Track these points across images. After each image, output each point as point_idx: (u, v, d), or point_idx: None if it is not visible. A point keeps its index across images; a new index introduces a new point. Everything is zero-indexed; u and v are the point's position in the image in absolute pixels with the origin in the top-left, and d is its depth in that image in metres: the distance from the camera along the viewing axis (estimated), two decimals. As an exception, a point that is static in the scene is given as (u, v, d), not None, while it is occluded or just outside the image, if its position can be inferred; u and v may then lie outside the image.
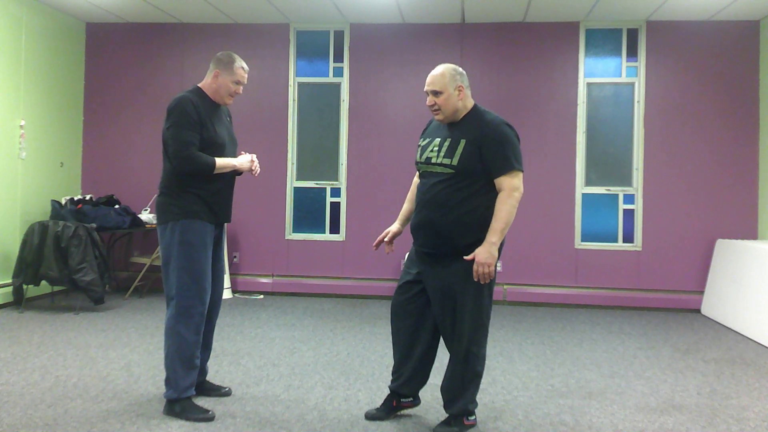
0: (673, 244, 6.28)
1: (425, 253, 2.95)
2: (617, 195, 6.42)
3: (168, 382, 3.07)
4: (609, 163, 6.47)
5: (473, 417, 3.00)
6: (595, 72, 6.46)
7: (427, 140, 3.01)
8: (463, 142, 2.84)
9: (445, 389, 3.00)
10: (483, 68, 6.46)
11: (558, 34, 6.44)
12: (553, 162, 6.41)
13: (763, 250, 5.21)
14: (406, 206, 3.19)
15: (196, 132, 3.01)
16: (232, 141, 3.26)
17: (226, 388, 3.44)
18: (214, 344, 3.47)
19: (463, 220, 2.81)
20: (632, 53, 6.40)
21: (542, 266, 6.40)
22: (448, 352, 2.99)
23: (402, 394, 3.11)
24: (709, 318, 5.93)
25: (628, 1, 5.77)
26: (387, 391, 3.20)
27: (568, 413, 3.26)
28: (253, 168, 3.24)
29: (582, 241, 6.42)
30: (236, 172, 3.23)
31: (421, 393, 3.16)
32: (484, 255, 2.76)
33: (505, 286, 6.41)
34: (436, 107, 2.92)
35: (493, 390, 3.60)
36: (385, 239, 3.17)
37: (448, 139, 2.89)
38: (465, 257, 2.80)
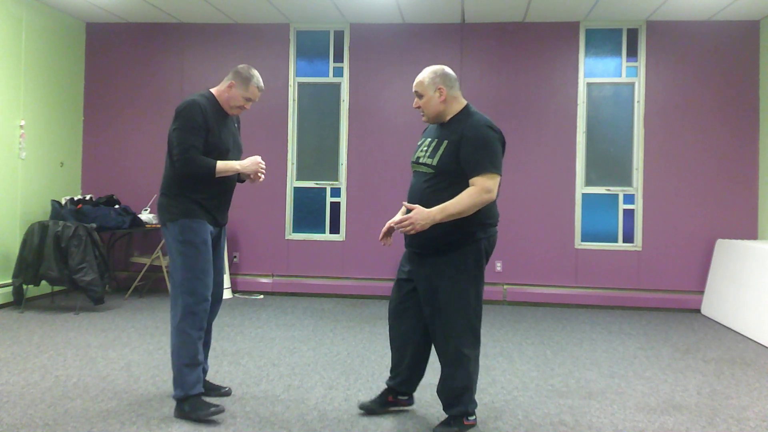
0: (673, 244, 6.28)
1: (413, 252, 3.00)
2: (617, 195, 6.42)
3: (175, 381, 3.07)
4: (609, 163, 6.47)
5: (473, 417, 3.00)
6: (595, 72, 6.46)
7: (422, 140, 3.06)
8: (445, 143, 2.86)
9: (440, 392, 3.01)
10: (483, 68, 6.46)
11: (558, 34, 6.44)
12: (553, 162, 6.41)
13: (763, 250, 5.21)
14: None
15: (200, 136, 3.03)
16: (236, 147, 3.26)
17: (226, 388, 3.44)
18: (214, 344, 3.48)
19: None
20: (632, 53, 6.40)
21: (542, 266, 6.40)
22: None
23: (399, 392, 3.14)
24: (709, 318, 5.93)
25: (628, 1, 5.77)
26: (387, 391, 3.21)
27: (568, 413, 3.26)
28: (258, 171, 3.17)
29: (582, 241, 6.42)
30: (239, 179, 3.24)
31: (422, 393, 3.17)
32: (420, 213, 2.71)
33: (505, 286, 6.40)
34: (420, 110, 2.98)
35: (493, 390, 3.60)
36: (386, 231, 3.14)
37: (435, 140, 2.93)
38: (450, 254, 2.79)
